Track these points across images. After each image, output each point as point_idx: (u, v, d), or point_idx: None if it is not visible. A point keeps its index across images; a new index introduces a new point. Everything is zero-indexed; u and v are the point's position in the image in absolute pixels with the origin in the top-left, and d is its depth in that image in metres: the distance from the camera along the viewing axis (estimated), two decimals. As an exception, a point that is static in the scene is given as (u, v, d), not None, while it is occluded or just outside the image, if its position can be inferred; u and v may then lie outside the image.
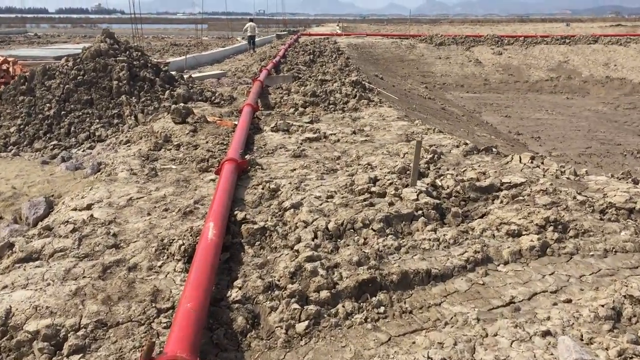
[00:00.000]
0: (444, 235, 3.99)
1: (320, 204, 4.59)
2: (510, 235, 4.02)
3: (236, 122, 8.47)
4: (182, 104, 8.19)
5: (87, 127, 9.09)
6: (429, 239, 3.94)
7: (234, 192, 5.05)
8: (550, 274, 3.61)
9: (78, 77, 9.67)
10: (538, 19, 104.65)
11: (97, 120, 9.21)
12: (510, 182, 5.02)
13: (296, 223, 4.25)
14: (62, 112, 9.37)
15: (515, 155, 6.00)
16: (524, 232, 4.04)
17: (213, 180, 5.63)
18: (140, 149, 7.48)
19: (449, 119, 18.18)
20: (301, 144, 7.16)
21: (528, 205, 4.50)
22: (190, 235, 4.15)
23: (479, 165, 6.02)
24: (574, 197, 4.61)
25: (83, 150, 8.47)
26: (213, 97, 10.86)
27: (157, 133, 8.05)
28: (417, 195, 4.63)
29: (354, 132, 7.85)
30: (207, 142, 7.19)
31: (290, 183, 5.13)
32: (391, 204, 4.57)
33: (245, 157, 6.05)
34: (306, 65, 19.40)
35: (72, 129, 9.13)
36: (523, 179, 5.06)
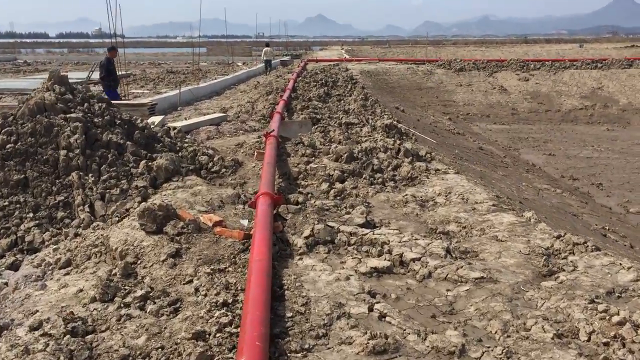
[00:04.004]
0: None
1: None
2: None
3: (246, 229, 5.22)
4: (157, 203, 4.90)
5: (13, 227, 5.80)
6: None
7: None
8: None
9: (7, 146, 6.39)
10: (542, 39, 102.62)
11: (31, 215, 5.93)
12: None
13: None
14: (-21, 201, 6.12)
15: None
16: None
17: None
18: (81, 293, 4.24)
19: (495, 164, 15.10)
20: (369, 292, 3.89)
21: None
22: None
23: None
24: None
25: (-2, 273, 5.22)
26: (210, 164, 7.65)
27: (115, 251, 4.81)
28: None
29: (448, 252, 4.59)
30: (196, 291, 3.90)
31: None
32: None
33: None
34: (321, 101, 16.39)
35: (-8, 228, 5.88)
36: None
